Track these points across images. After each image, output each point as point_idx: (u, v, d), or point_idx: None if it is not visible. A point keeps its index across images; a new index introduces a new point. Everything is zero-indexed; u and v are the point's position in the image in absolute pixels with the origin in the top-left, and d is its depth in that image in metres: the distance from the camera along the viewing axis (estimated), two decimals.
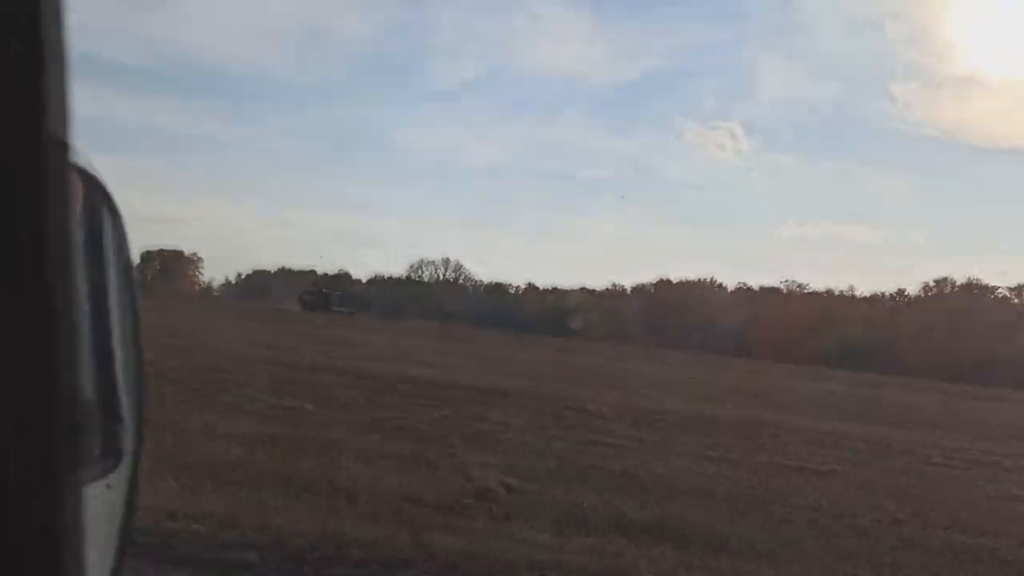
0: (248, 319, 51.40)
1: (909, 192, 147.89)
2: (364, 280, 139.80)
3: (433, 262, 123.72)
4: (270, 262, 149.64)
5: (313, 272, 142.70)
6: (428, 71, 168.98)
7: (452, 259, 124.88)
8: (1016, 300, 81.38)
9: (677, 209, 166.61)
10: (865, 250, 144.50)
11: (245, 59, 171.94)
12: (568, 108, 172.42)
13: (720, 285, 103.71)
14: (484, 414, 16.43)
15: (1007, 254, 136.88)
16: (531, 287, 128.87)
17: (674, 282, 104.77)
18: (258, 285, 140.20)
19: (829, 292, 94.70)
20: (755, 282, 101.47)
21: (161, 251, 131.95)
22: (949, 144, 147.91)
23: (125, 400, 1.73)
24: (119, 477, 1.71)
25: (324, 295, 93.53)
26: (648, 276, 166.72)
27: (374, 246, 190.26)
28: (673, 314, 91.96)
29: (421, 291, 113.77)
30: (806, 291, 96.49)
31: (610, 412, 18.74)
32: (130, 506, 1.79)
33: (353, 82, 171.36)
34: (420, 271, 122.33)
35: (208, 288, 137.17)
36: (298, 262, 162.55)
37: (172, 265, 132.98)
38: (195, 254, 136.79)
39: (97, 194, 1.74)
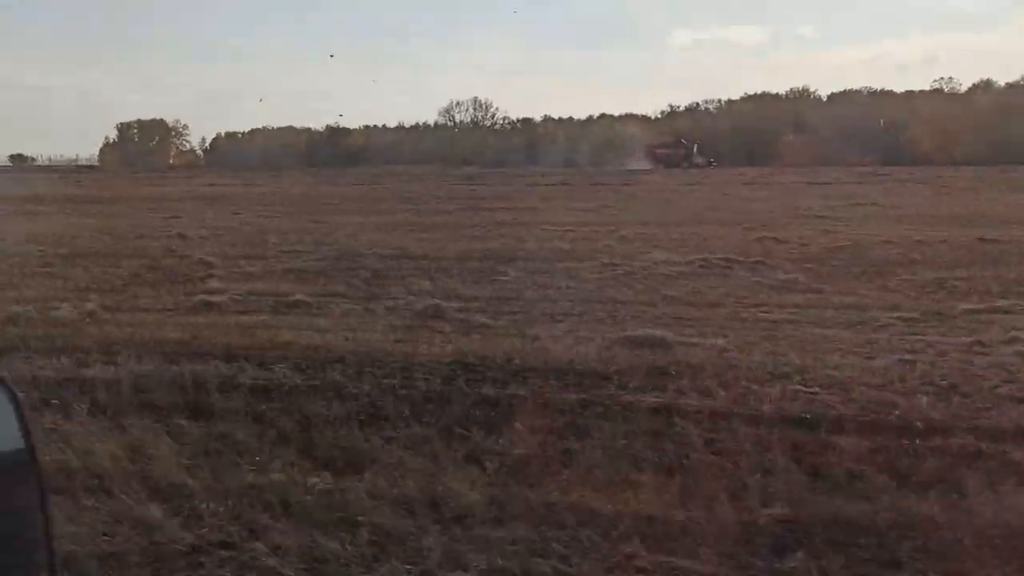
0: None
1: None
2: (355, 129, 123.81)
3: (460, 103, 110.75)
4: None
5: (291, 128, 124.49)
6: None
7: (481, 99, 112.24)
8: None
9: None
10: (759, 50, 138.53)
11: None
12: None
13: None
14: None
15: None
16: (548, 119, 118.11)
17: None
18: (232, 152, 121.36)
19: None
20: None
21: (139, 121, 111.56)
22: None
23: None
24: None
25: (687, 147, 78.85)
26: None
27: None
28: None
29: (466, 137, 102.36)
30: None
31: None
32: None
33: None
34: (451, 115, 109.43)
35: (197, 157, 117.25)
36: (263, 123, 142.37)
37: (150, 136, 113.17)
38: (178, 121, 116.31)
39: None
